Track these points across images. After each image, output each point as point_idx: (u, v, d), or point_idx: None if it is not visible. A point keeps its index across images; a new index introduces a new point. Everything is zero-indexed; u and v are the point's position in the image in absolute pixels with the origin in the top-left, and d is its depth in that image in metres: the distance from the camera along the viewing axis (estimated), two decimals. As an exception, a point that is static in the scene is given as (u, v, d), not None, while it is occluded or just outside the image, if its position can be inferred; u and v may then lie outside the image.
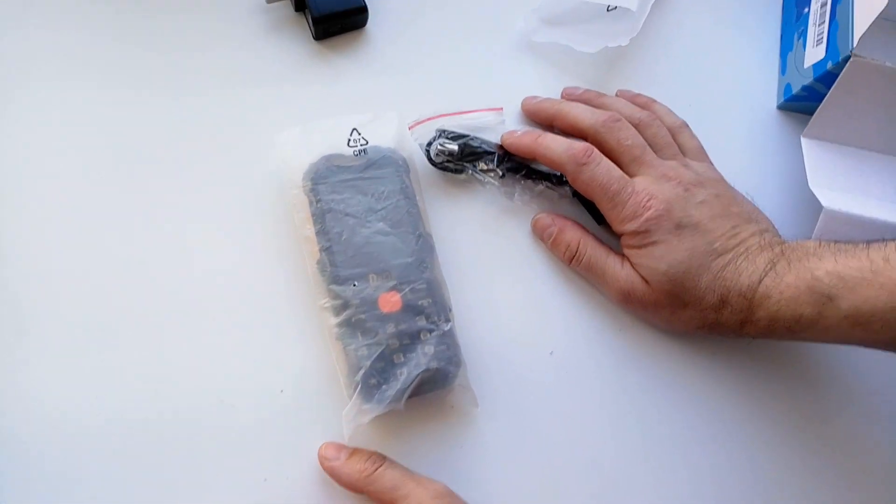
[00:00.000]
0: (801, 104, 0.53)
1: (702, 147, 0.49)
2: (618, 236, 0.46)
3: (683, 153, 0.48)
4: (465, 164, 0.48)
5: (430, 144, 0.48)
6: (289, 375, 0.43)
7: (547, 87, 0.52)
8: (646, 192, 0.44)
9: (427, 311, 0.42)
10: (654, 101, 0.50)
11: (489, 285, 0.47)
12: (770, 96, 0.54)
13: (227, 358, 0.43)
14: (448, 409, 0.44)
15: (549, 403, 0.45)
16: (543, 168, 0.49)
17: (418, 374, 0.40)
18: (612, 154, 0.46)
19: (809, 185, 0.47)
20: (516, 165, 0.48)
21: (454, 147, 0.47)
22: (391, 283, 0.42)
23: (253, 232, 0.46)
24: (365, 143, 0.45)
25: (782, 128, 0.54)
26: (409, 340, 0.41)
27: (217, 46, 0.49)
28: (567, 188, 0.49)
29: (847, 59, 0.46)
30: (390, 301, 0.41)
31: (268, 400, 0.43)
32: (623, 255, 0.46)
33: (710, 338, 0.46)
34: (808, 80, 0.50)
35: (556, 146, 0.46)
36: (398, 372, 0.40)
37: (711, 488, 0.45)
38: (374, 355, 0.40)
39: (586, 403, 0.46)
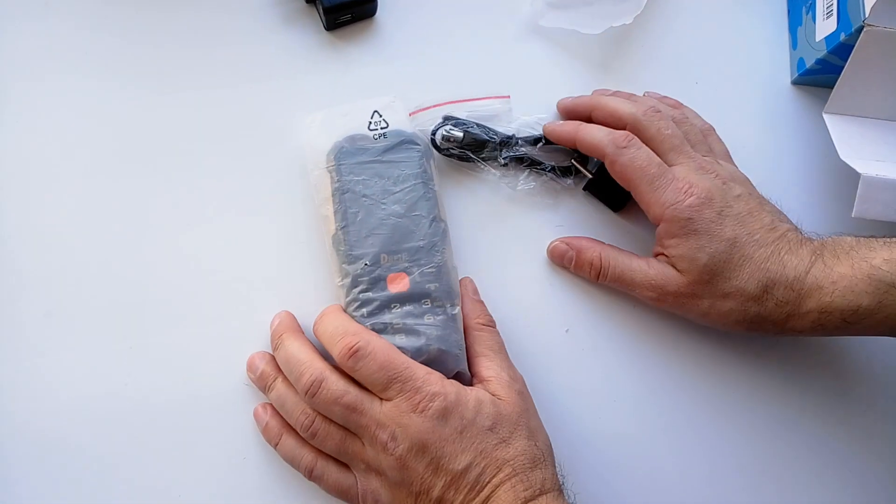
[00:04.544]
0: (817, 77, 0.52)
1: (728, 151, 0.48)
2: (653, 223, 0.45)
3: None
4: (468, 151, 0.48)
5: (435, 131, 0.48)
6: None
7: (555, 71, 0.52)
8: (686, 180, 0.44)
9: (434, 294, 0.42)
10: (682, 104, 0.50)
11: (501, 270, 0.47)
12: (782, 72, 0.54)
13: (251, 341, 0.44)
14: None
15: (564, 380, 0.46)
16: (546, 160, 0.49)
17: (423, 355, 0.41)
18: (652, 143, 0.45)
19: (841, 157, 0.46)
20: (520, 156, 0.48)
21: (459, 134, 0.47)
22: (401, 265, 0.42)
23: (275, 217, 0.47)
24: (386, 125, 0.45)
25: (799, 103, 0.53)
26: (414, 322, 0.41)
27: (231, 40, 0.50)
28: (570, 181, 0.49)
29: (860, 29, 0.45)
30: (399, 282, 0.42)
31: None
32: (646, 257, 0.46)
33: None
34: (821, 53, 0.50)
35: (597, 131, 0.46)
36: (403, 352, 0.40)
37: (731, 462, 0.45)
38: (380, 335, 0.40)
39: (602, 380, 0.46)
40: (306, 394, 0.39)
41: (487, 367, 0.42)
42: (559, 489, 0.39)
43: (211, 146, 0.48)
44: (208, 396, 0.43)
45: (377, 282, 0.42)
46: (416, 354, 0.40)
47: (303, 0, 0.51)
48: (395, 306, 0.41)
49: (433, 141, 0.48)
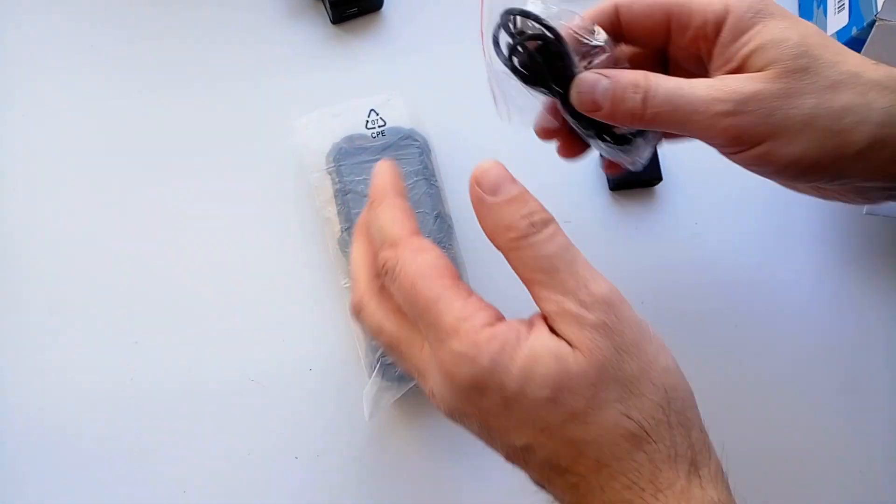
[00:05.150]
0: (827, 72, 0.51)
1: None
2: (709, 36, 0.34)
3: None
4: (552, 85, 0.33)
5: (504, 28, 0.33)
6: (317, 355, 0.44)
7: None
8: None
9: None
10: None
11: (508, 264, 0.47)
12: (794, 65, 0.53)
13: (255, 338, 0.44)
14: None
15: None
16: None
17: None
18: None
19: None
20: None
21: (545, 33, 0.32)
22: None
23: (277, 215, 0.47)
24: (383, 123, 0.45)
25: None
26: None
27: (237, 33, 0.50)
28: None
29: (872, 23, 0.45)
30: None
31: (297, 379, 0.44)
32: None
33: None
34: (832, 47, 0.49)
35: None
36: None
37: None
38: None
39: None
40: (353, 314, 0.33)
41: (545, 298, 0.28)
42: (706, 464, 0.27)
43: (216, 141, 0.48)
44: (212, 392, 0.43)
45: None
46: None
47: (309, -7, 0.51)
48: None
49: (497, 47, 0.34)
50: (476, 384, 0.27)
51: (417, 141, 0.45)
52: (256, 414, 0.43)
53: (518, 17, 0.33)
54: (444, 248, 0.43)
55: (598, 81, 0.33)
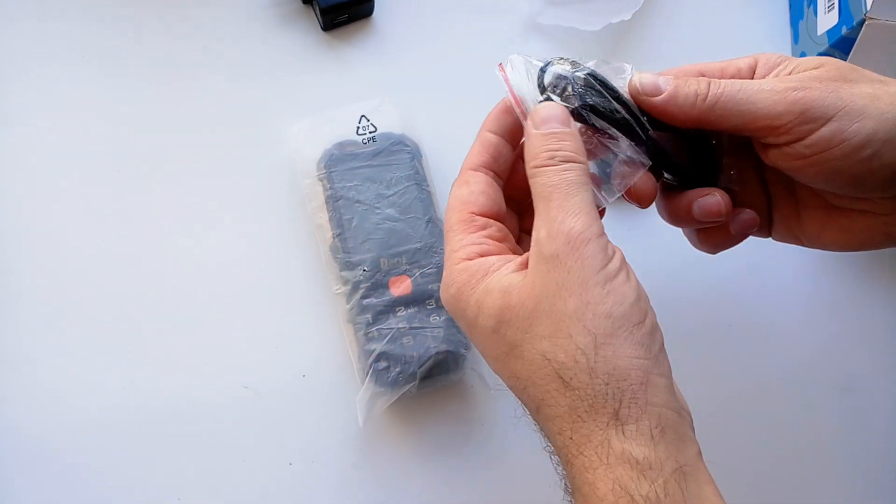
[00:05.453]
0: (818, 72, 0.51)
1: None
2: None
3: None
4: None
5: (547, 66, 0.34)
6: (310, 361, 0.44)
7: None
8: None
9: (437, 294, 0.42)
10: None
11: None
12: (785, 66, 0.53)
13: (248, 345, 0.44)
14: (461, 394, 0.44)
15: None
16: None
17: (429, 357, 0.41)
18: None
19: None
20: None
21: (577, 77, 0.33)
22: (401, 268, 0.42)
23: (269, 222, 0.47)
24: (374, 129, 0.45)
25: (801, 97, 0.52)
26: (419, 324, 0.41)
27: (227, 40, 0.50)
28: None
29: (862, 22, 0.45)
30: (400, 285, 0.42)
31: (290, 385, 0.44)
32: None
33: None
34: (823, 47, 0.49)
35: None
36: (409, 355, 0.40)
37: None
38: (385, 339, 0.41)
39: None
40: None
41: (534, 225, 0.29)
42: (635, 418, 0.26)
43: (207, 149, 0.48)
44: (206, 399, 0.43)
45: (378, 286, 0.42)
46: (420, 360, 0.40)
47: (299, 0, 0.51)
48: (399, 310, 0.42)
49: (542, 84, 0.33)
50: (449, 307, 0.31)
51: (408, 146, 0.45)
52: (250, 421, 0.43)
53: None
54: (435, 252, 0.43)
55: (654, 80, 0.33)
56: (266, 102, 0.49)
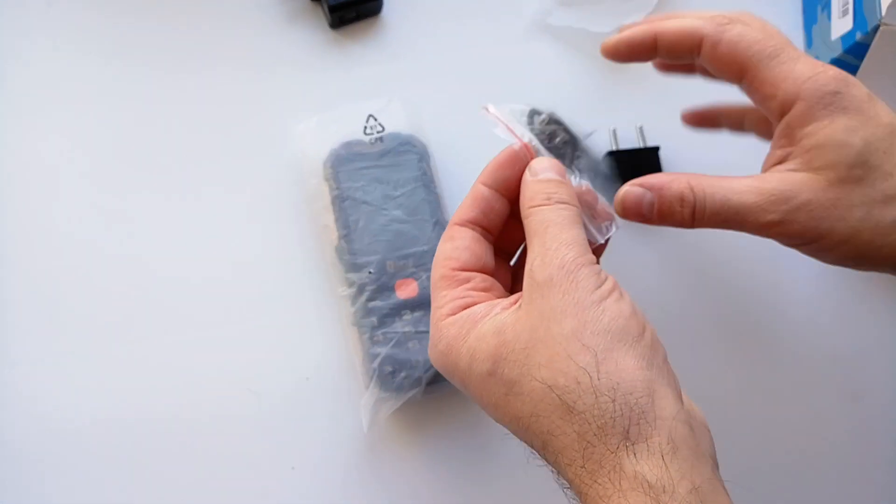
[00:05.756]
0: (831, 77, 0.51)
1: None
2: (777, 114, 0.34)
3: None
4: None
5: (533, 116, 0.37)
6: (314, 364, 0.44)
7: (564, 70, 0.51)
8: (816, 59, 0.34)
9: None
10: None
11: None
12: (797, 70, 0.53)
13: (251, 347, 0.44)
14: (467, 400, 0.43)
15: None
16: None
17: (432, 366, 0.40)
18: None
19: None
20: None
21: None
22: (408, 271, 0.42)
23: (275, 222, 0.46)
24: (381, 129, 0.45)
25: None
26: (426, 328, 0.41)
27: (235, 37, 0.50)
28: None
29: (876, 28, 0.44)
30: (407, 288, 0.41)
31: (294, 388, 0.43)
32: (753, 175, 0.34)
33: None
34: (836, 52, 0.48)
35: (684, 17, 0.36)
36: (414, 360, 0.40)
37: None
38: (390, 343, 0.40)
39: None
40: None
41: (527, 261, 0.29)
42: (646, 437, 0.25)
43: (213, 148, 0.47)
44: (209, 402, 0.43)
45: (384, 289, 0.41)
46: (425, 364, 0.40)
47: (307, -2, 0.51)
48: (405, 313, 0.41)
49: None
50: (439, 365, 0.30)
51: (416, 147, 0.45)
52: (253, 424, 0.43)
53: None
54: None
55: (641, 197, 0.33)
56: (272, 100, 0.48)
